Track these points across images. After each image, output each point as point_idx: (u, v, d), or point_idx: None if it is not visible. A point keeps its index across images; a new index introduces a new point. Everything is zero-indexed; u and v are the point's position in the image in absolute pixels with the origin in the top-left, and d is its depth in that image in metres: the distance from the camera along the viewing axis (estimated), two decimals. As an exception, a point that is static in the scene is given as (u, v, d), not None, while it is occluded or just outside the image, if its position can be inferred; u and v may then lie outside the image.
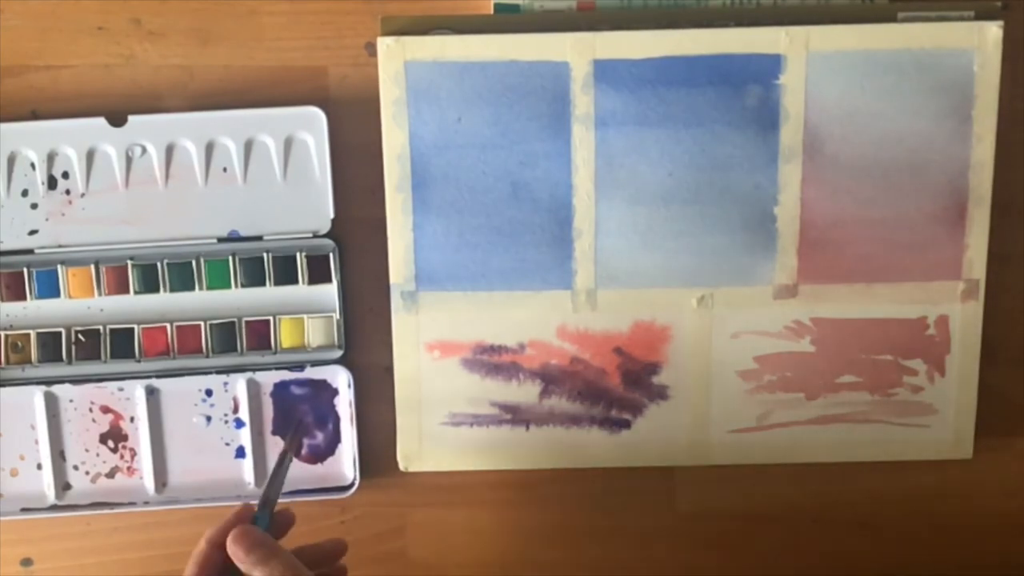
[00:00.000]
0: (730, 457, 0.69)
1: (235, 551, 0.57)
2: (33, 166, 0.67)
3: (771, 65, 0.65)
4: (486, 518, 0.71)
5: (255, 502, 0.61)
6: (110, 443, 0.69)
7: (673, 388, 0.69)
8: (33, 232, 0.68)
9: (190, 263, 0.68)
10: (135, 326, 0.69)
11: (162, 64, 0.68)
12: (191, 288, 0.68)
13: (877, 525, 0.72)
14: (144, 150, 0.68)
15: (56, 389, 0.69)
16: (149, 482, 0.69)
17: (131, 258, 0.68)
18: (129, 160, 0.68)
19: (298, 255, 0.68)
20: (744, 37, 0.65)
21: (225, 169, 0.68)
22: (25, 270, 0.68)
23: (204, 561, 0.58)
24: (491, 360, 0.68)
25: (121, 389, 0.69)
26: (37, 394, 0.68)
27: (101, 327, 0.68)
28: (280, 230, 0.68)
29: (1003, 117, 0.66)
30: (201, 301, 0.69)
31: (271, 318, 0.69)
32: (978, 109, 0.66)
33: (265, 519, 0.61)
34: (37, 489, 0.69)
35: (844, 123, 0.66)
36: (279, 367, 0.69)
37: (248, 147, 0.68)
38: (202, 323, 0.69)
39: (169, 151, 0.68)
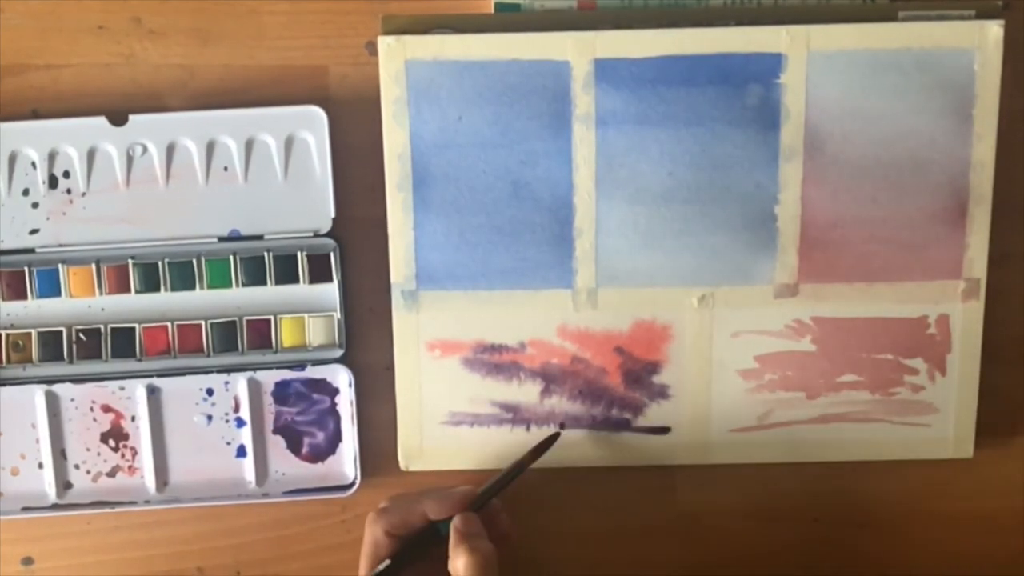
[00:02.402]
0: (730, 456, 0.69)
1: (460, 525, 0.63)
2: (34, 165, 0.67)
3: (772, 64, 0.65)
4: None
5: (479, 489, 0.65)
6: (111, 442, 0.69)
7: (673, 387, 0.69)
8: (34, 231, 0.68)
9: (191, 262, 0.68)
10: (136, 325, 0.69)
11: (163, 63, 0.68)
12: (192, 287, 0.68)
13: (877, 525, 0.72)
14: (145, 149, 0.68)
15: (57, 388, 0.69)
16: (150, 481, 0.70)
17: (132, 257, 0.68)
18: (130, 159, 0.68)
19: (299, 254, 0.68)
20: (745, 36, 0.65)
21: (226, 168, 0.68)
22: (26, 269, 0.68)
23: (411, 522, 0.64)
24: (492, 359, 0.68)
25: (122, 388, 0.69)
26: (38, 393, 0.69)
27: (102, 326, 0.68)
28: (281, 229, 0.68)
29: (1004, 116, 0.66)
30: (202, 300, 0.69)
31: (272, 317, 0.69)
32: (979, 108, 0.66)
33: (478, 507, 0.65)
34: (38, 488, 0.69)
35: (845, 122, 0.66)
36: (280, 366, 0.69)
37: (249, 146, 0.68)
38: (203, 322, 0.69)
39: (170, 150, 0.68)
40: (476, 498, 0.65)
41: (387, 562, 0.63)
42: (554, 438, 0.68)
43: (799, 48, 0.65)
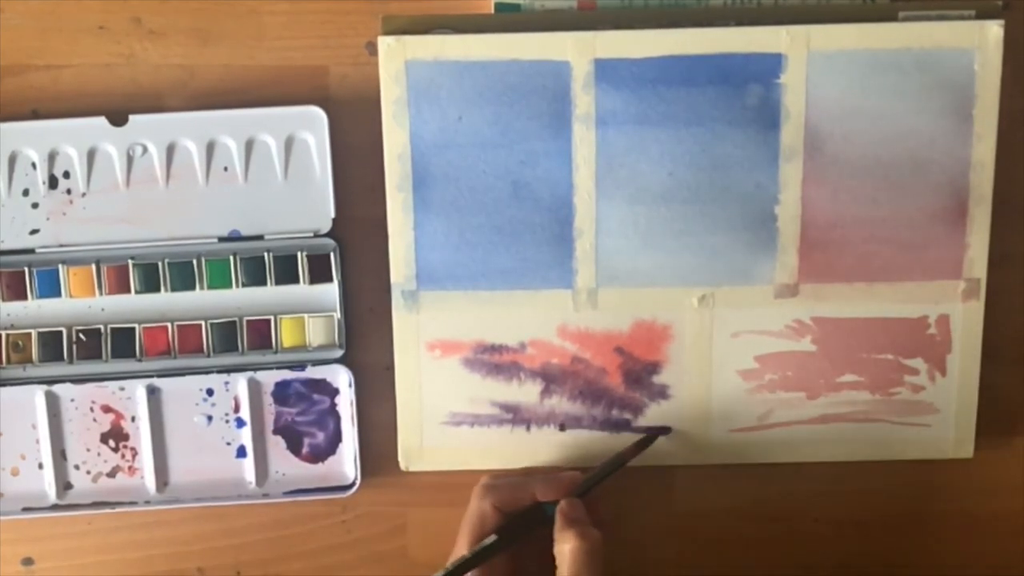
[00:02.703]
0: (730, 457, 0.69)
1: (567, 510, 0.63)
2: (34, 165, 0.67)
3: (772, 64, 0.65)
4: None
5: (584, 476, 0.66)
6: (111, 442, 0.69)
7: (674, 387, 0.69)
8: (34, 231, 0.68)
9: (191, 262, 0.68)
10: (136, 325, 0.69)
11: (163, 63, 0.68)
12: (192, 287, 0.68)
13: (877, 525, 0.72)
14: (145, 149, 0.68)
15: (57, 388, 0.69)
16: (150, 481, 0.70)
17: (132, 257, 0.68)
18: (130, 159, 0.68)
19: (299, 254, 0.68)
20: (745, 36, 0.65)
21: (226, 168, 0.68)
22: (26, 269, 0.68)
23: (519, 500, 0.64)
24: (492, 360, 0.68)
25: (122, 388, 0.69)
26: (38, 393, 0.69)
27: (102, 326, 0.68)
28: (281, 229, 0.68)
29: (1004, 116, 0.66)
30: (202, 300, 0.69)
31: (272, 317, 0.69)
32: (979, 108, 0.66)
33: (582, 493, 0.65)
34: (38, 488, 0.69)
35: (845, 122, 0.66)
36: (280, 366, 0.69)
37: (249, 146, 0.68)
38: (203, 322, 0.69)
39: (170, 150, 0.68)
40: (582, 484, 0.65)
41: (494, 537, 0.63)
42: (657, 434, 0.68)
43: (799, 48, 0.65)
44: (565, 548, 0.62)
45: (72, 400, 0.69)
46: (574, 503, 0.64)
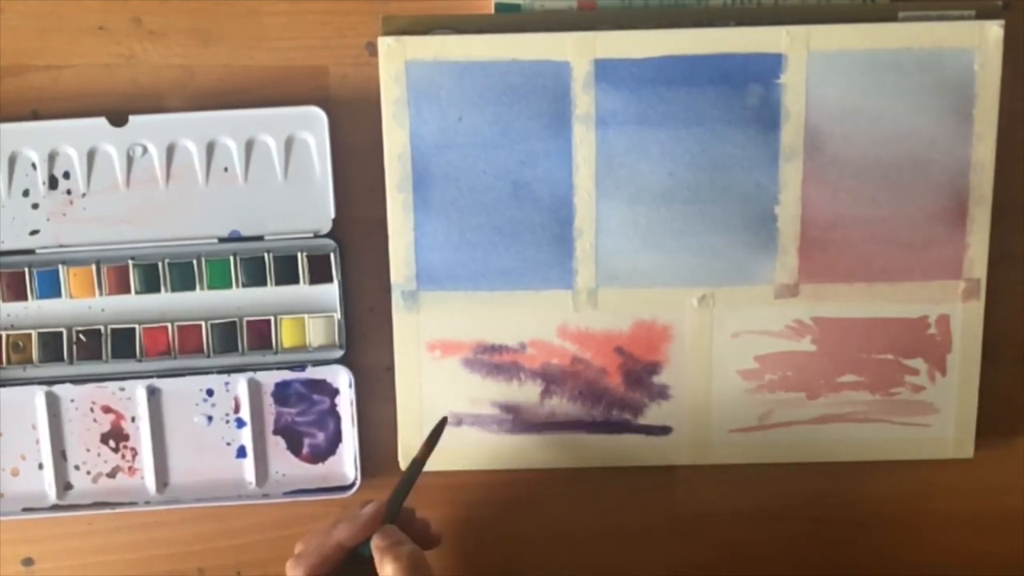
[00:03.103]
0: (730, 457, 0.69)
1: (379, 542, 0.62)
2: (34, 166, 0.67)
3: (772, 64, 0.65)
4: (486, 518, 0.71)
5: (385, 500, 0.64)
6: (111, 443, 0.69)
7: (674, 388, 0.69)
8: (34, 232, 0.68)
9: (191, 263, 0.68)
10: (136, 326, 0.69)
11: (163, 64, 0.68)
12: (192, 288, 0.68)
13: (877, 525, 0.72)
14: (145, 150, 0.68)
15: (57, 389, 0.69)
16: (150, 482, 0.70)
17: (132, 258, 0.68)
18: (130, 160, 0.68)
19: (299, 255, 0.68)
20: (745, 36, 0.65)
21: (226, 169, 0.68)
22: (26, 270, 0.68)
23: (330, 557, 0.62)
24: (492, 360, 0.68)
25: (122, 389, 0.69)
26: (38, 394, 0.69)
27: (102, 327, 0.68)
28: (281, 230, 0.68)
29: (1004, 116, 0.66)
30: (202, 301, 0.69)
31: (272, 318, 0.69)
32: (979, 108, 0.66)
33: (390, 517, 0.64)
34: (38, 489, 0.69)
35: (845, 122, 0.66)
36: (280, 367, 0.69)
37: (249, 147, 0.68)
38: (203, 323, 0.69)
39: (170, 151, 0.68)
40: (387, 511, 0.63)
41: None
42: (442, 426, 0.66)
43: (799, 48, 0.65)
44: (387, 573, 0.60)
45: (72, 400, 0.69)
46: (384, 532, 0.62)
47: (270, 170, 0.68)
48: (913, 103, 0.66)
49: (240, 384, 0.69)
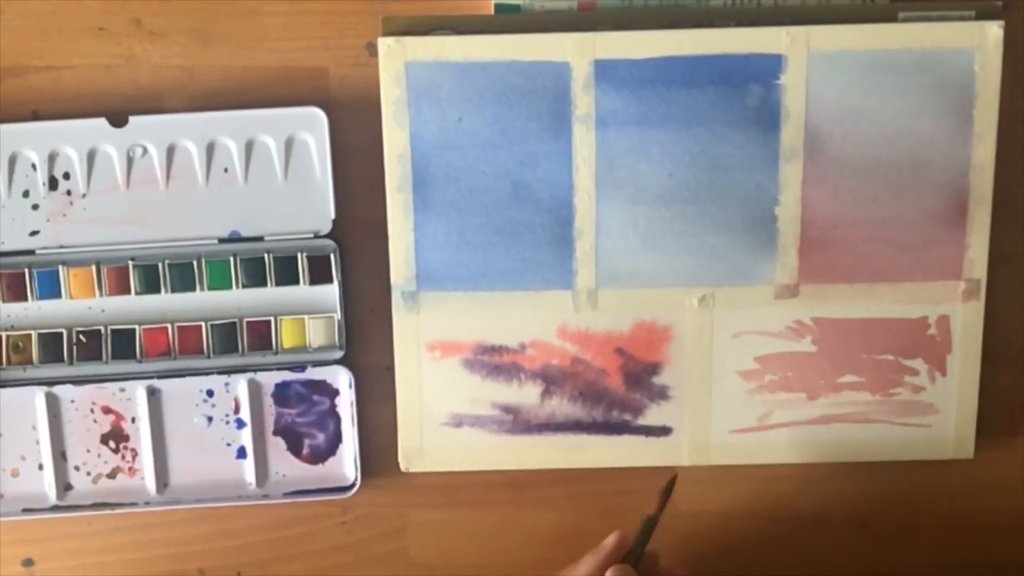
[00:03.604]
0: (730, 457, 0.69)
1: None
2: (34, 167, 0.67)
3: (772, 65, 0.65)
4: (487, 518, 0.71)
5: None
6: (111, 443, 0.69)
7: (674, 388, 0.69)
8: (34, 233, 0.68)
9: (191, 263, 0.68)
10: (136, 327, 0.69)
11: (163, 64, 0.68)
12: (192, 288, 0.68)
13: (877, 525, 0.72)
14: (145, 150, 0.68)
15: (57, 390, 0.69)
16: (150, 482, 0.70)
17: (132, 259, 0.68)
18: (130, 160, 0.68)
19: (299, 255, 0.68)
20: (745, 37, 0.65)
21: (226, 169, 0.68)
22: (26, 271, 0.68)
23: None
24: (492, 360, 0.68)
25: (122, 390, 0.69)
26: (38, 395, 0.69)
27: (102, 328, 0.68)
28: (281, 230, 0.68)
29: (1004, 117, 0.66)
30: (202, 301, 0.69)
31: (272, 318, 0.69)
32: (979, 109, 0.66)
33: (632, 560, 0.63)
34: (38, 489, 0.69)
35: (845, 123, 0.66)
36: (280, 367, 0.69)
37: (249, 147, 0.68)
38: (203, 323, 0.69)
39: (170, 151, 0.68)
40: (629, 551, 0.63)
41: None
42: (673, 480, 0.65)
43: (799, 49, 0.65)
44: None
45: (72, 401, 0.69)
46: (622, 570, 0.62)
47: (270, 171, 0.68)
48: (913, 103, 0.66)
49: (240, 385, 0.69)
